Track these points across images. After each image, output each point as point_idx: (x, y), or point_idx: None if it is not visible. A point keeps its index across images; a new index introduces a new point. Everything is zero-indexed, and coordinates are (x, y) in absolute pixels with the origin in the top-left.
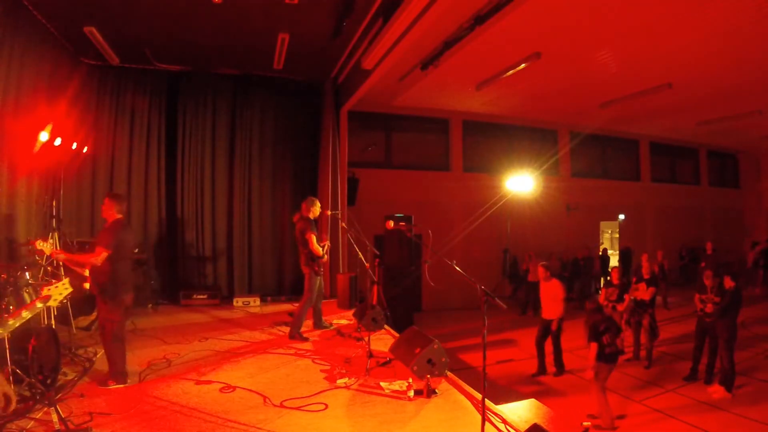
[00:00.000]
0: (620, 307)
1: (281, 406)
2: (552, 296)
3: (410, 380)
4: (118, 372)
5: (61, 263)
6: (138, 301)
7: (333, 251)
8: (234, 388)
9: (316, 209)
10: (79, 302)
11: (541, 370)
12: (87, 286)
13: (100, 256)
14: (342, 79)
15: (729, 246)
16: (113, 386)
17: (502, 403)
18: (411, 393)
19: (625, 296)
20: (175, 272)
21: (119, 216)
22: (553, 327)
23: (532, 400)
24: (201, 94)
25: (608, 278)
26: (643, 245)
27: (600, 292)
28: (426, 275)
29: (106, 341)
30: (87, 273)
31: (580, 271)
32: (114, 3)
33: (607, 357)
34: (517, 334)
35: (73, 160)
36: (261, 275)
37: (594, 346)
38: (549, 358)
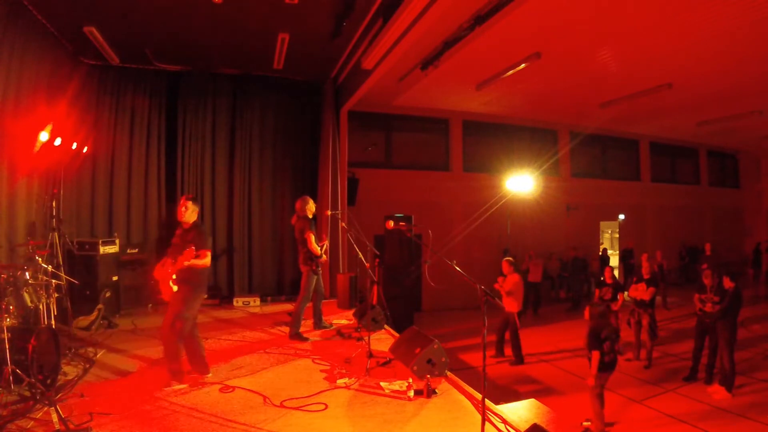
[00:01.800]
0: (614, 307)
1: (281, 406)
2: (511, 290)
3: (410, 380)
4: (179, 371)
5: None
6: (137, 301)
7: (333, 251)
8: (234, 388)
9: (312, 207)
10: (79, 302)
11: (500, 352)
12: (175, 288)
13: (207, 257)
14: (342, 79)
15: (729, 246)
16: (177, 386)
17: (502, 403)
18: (411, 393)
19: (619, 295)
20: None
21: (197, 218)
22: (511, 320)
23: (532, 400)
24: (201, 94)
25: (601, 278)
26: (643, 245)
27: (594, 292)
28: (426, 275)
29: (171, 340)
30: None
31: (574, 272)
32: (114, 3)
33: (606, 365)
34: None
35: (73, 160)
36: (261, 275)
37: (596, 354)
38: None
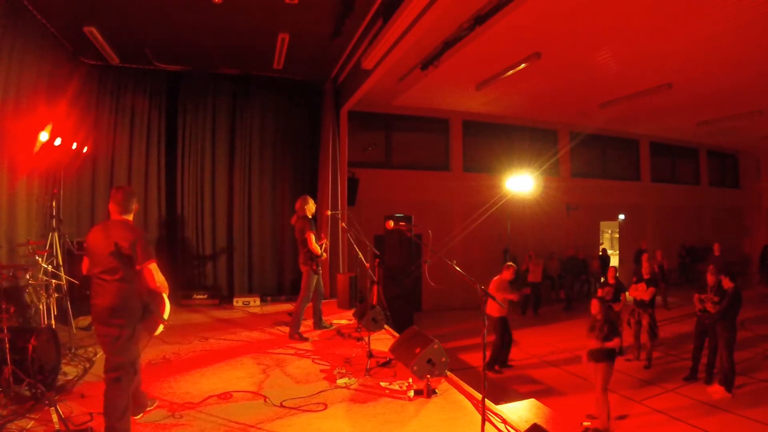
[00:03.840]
0: (617, 307)
1: (281, 406)
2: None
3: (410, 380)
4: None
5: None
6: None
7: (333, 251)
8: (234, 388)
9: (312, 206)
10: (79, 302)
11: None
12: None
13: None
14: (342, 79)
15: (729, 246)
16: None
17: (502, 403)
18: (411, 393)
19: (621, 296)
20: (174, 272)
21: None
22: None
23: (532, 400)
24: (201, 94)
25: (603, 278)
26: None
27: (597, 292)
28: (426, 275)
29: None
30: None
31: (571, 272)
32: (114, 3)
33: (611, 355)
34: (517, 334)
35: (73, 160)
36: (261, 275)
37: (617, 341)
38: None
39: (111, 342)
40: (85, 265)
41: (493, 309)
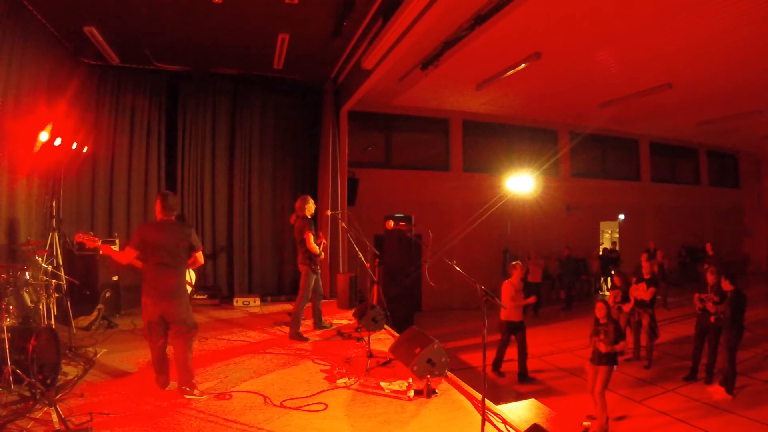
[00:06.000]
0: (626, 308)
1: (281, 406)
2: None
3: (410, 380)
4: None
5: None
6: (137, 301)
7: (333, 251)
8: (233, 388)
9: (311, 206)
10: (79, 302)
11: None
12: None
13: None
14: (342, 79)
15: (729, 246)
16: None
17: (502, 403)
18: (411, 393)
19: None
20: None
21: None
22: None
23: (532, 400)
24: (201, 94)
25: (613, 279)
26: (644, 245)
27: (606, 292)
28: (426, 275)
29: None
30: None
31: (572, 272)
32: (114, 3)
33: (613, 358)
34: None
35: (73, 160)
36: (261, 275)
37: (622, 344)
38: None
39: (183, 310)
40: (129, 256)
41: (504, 312)
